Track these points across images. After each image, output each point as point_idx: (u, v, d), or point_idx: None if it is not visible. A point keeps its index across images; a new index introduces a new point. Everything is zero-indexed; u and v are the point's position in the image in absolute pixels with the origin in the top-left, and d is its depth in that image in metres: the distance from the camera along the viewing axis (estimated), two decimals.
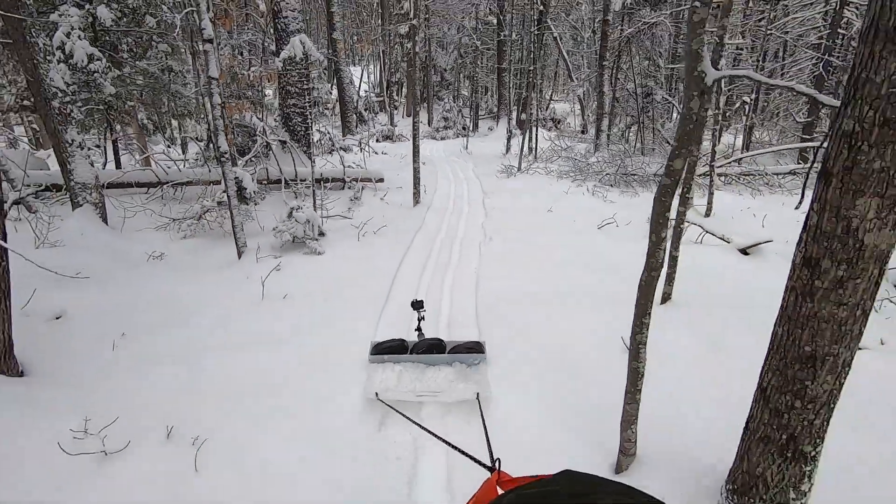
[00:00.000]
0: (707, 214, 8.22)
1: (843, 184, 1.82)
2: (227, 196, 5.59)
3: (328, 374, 3.83)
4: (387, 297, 5.30)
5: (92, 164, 6.62)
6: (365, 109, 27.76)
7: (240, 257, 5.93)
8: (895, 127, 1.66)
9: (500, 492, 0.96)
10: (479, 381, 3.54)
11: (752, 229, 7.10)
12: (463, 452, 1.66)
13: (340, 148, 13.45)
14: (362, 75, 31.45)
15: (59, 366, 3.64)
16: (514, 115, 19.49)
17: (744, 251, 6.41)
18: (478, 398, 3.19)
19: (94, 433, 2.92)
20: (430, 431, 1.98)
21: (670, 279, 4.99)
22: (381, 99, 30.24)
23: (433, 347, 3.81)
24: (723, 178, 11.09)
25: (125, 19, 7.86)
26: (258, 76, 10.36)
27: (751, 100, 11.70)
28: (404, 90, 31.53)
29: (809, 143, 8.90)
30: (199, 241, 6.78)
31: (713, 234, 6.74)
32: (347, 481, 2.88)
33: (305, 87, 8.00)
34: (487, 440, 1.77)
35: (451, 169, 13.28)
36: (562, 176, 10.99)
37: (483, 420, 2.11)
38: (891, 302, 5.22)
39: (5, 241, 3.27)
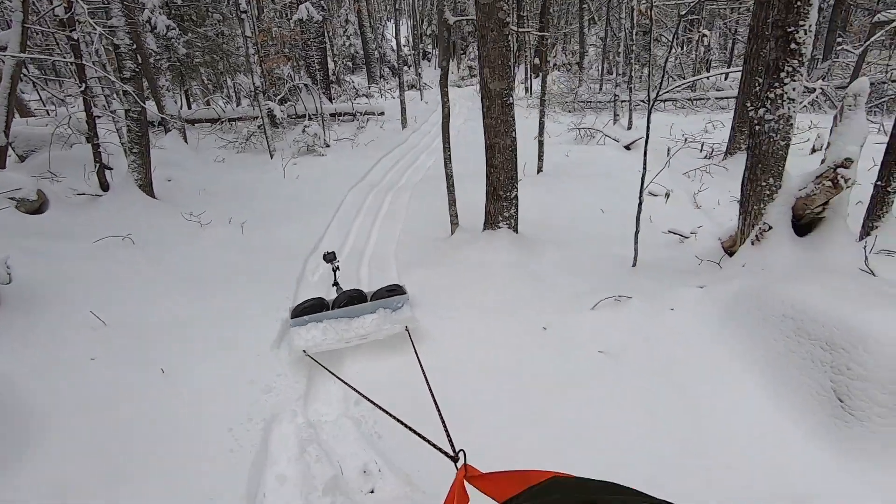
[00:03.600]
0: (629, 128, 10.39)
1: (481, 63, 4.39)
2: (262, 116, 8.56)
3: (317, 210, 6.78)
4: (363, 177, 8.18)
5: (176, 102, 9.77)
6: (402, 63, 30.22)
7: (271, 158, 8.99)
8: (486, 38, 4.21)
9: (469, 488, 0.94)
10: (407, 318, 3.50)
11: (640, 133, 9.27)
12: (426, 440, 1.51)
13: (363, 94, 16.33)
14: (398, 31, 33.69)
15: (173, 198, 6.80)
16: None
17: (627, 147, 8.71)
18: (407, 331, 3.11)
19: (196, 217, 6.01)
20: (378, 405, 1.93)
21: (540, 156, 7.52)
22: (413, 53, 32.32)
23: (354, 299, 3.68)
24: (675, 103, 12.97)
25: None
26: (288, 35, 13.14)
27: (709, 33, 13.25)
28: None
29: (724, 71, 10.62)
30: (247, 154, 9.88)
31: (608, 136, 9.04)
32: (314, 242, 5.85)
33: (314, 41, 10.72)
34: (445, 427, 1.59)
35: (451, 106, 15.73)
36: (531, 106, 13.25)
37: (422, 367, 2.02)
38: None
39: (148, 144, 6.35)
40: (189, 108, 12.60)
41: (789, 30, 3.36)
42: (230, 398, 3.15)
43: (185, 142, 9.89)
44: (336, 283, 3.95)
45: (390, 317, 3.57)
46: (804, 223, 3.76)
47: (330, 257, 3.94)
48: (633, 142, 8.62)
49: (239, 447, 2.81)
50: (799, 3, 3.27)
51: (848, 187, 3.36)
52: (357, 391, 2.10)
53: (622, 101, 10.72)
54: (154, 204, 6.26)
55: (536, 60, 20.51)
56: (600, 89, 16.11)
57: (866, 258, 3.38)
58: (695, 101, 12.41)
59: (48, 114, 11.74)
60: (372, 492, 2.59)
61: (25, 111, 11.25)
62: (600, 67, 17.57)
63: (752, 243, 3.86)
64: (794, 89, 3.47)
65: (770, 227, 3.76)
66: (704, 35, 13.66)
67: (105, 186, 6.16)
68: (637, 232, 4.51)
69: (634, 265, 4.64)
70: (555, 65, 22.86)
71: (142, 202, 6.11)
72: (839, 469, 2.39)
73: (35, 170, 6.33)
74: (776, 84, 3.49)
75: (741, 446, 2.57)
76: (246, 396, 3.19)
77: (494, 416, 2.90)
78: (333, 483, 2.58)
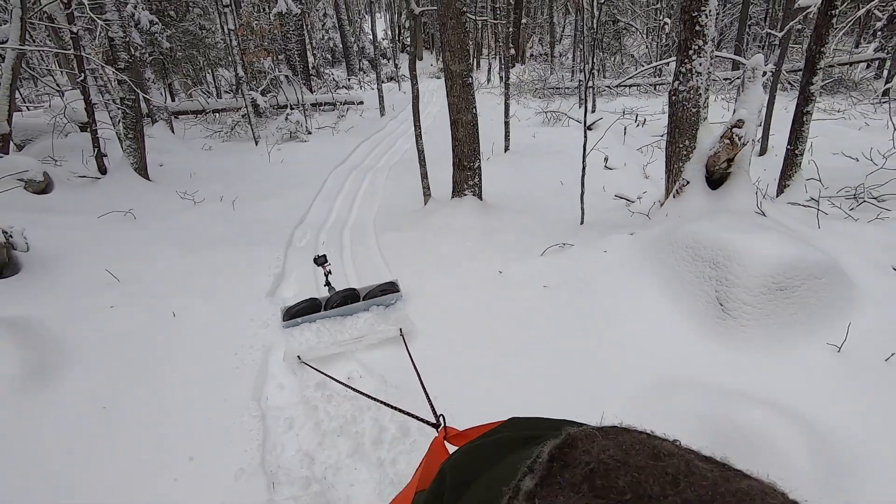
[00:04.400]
0: (593, 111, 11.09)
1: (443, 47, 5.01)
2: (245, 105, 9.05)
3: (302, 189, 7.35)
4: (343, 160, 8.74)
5: (161, 94, 10.20)
6: (381, 55, 30.67)
7: (256, 145, 9.51)
8: (446, 25, 4.82)
9: (449, 447, 0.96)
10: (401, 318, 3.49)
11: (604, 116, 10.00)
12: (405, 412, 1.55)
13: (343, 87, 16.80)
14: (374, 24, 34.00)
15: (166, 180, 7.31)
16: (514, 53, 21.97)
17: (588, 127, 9.39)
18: (402, 334, 3.12)
19: (190, 196, 6.54)
20: (367, 395, 1.92)
21: (507, 137, 8.18)
22: (392, 46, 32.77)
23: (347, 298, 3.71)
24: (638, 88, 13.73)
25: None
26: (268, 28, 13.56)
27: (669, 23, 14.05)
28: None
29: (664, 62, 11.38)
30: (233, 143, 10.38)
31: (572, 119, 9.73)
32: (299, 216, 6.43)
33: (293, 34, 11.21)
34: (426, 394, 1.65)
35: (429, 97, 16.31)
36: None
37: (414, 365, 2.01)
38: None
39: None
40: (173, 100, 12.97)
41: (694, 14, 4.03)
42: (233, 332, 3.75)
43: (172, 132, 10.34)
44: (328, 284, 3.88)
45: (384, 314, 3.64)
46: (716, 178, 4.46)
47: (321, 260, 3.83)
48: (594, 123, 9.33)
49: (243, 365, 3.42)
50: None
51: (744, 144, 4.05)
52: (350, 387, 2.32)
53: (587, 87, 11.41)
54: (150, 185, 6.77)
55: (512, 51, 21.21)
56: (572, 77, 16.82)
57: (759, 202, 4.09)
58: (657, 87, 13.18)
59: (28, 109, 12.07)
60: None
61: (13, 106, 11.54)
62: (573, 56, 18.32)
63: (674, 196, 4.55)
64: (700, 64, 4.16)
65: (688, 182, 4.46)
66: (665, 23, 14.43)
67: (103, 170, 6.65)
68: (582, 192, 5.19)
69: (582, 223, 5.33)
70: (531, 55, 23.58)
71: (139, 183, 6.62)
72: (718, 354, 3.09)
73: (35, 156, 6.78)
74: (686, 60, 4.17)
75: (649, 345, 3.26)
76: (246, 330, 3.79)
77: (456, 356, 3.48)
78: (324, 383, 3.21)
